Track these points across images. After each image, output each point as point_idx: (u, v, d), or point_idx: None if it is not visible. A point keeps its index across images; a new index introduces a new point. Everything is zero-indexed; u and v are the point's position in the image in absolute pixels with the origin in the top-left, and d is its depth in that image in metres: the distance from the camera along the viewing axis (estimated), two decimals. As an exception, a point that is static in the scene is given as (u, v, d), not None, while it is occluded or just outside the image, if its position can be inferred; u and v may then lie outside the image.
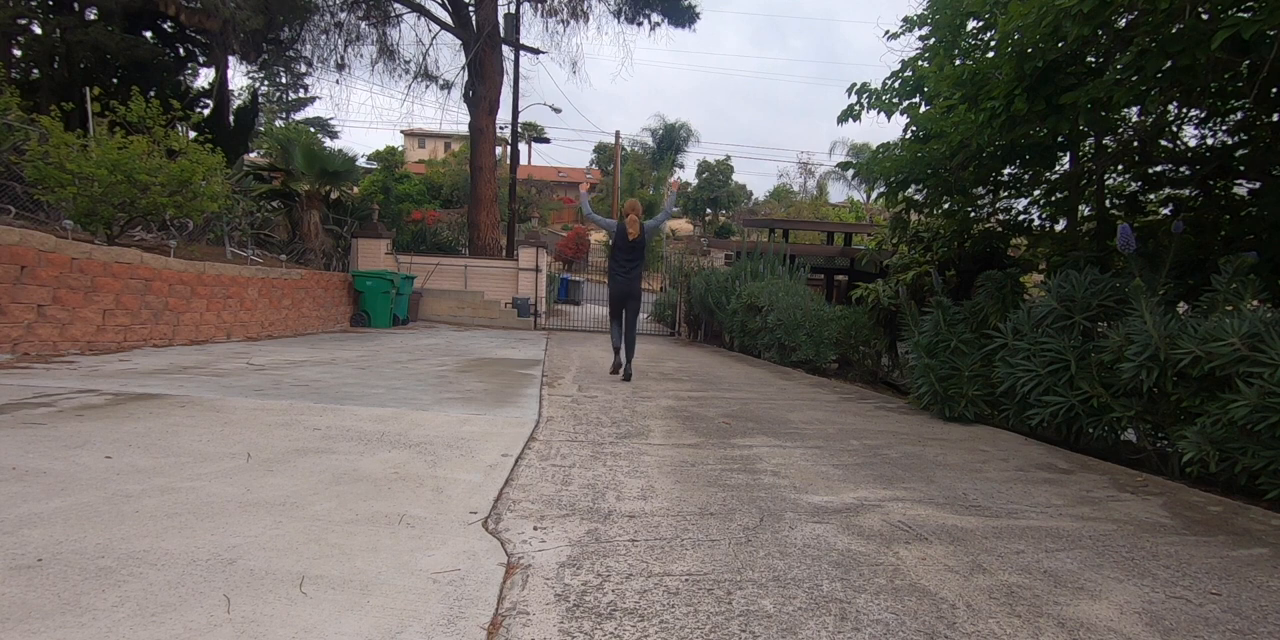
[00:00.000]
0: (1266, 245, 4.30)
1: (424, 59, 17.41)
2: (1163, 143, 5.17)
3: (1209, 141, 5.11)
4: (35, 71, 12.61)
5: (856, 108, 5.91)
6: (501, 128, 20.03)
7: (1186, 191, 5.33)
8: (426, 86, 17.82)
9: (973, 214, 6.45)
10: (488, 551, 1.92)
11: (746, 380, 6.85)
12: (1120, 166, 5.58)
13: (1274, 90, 4.21)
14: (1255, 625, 1.73)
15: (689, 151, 41.22)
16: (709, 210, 45.99)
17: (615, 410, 4.52)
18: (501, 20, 16.07)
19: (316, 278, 10.23)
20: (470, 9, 15.69)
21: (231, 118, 15.05)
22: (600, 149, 45.14)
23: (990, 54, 4.86)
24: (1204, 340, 3.09)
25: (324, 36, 16.00)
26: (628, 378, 5.97)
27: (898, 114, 5.91)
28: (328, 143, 32.98)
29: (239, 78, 31.31)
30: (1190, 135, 5.31)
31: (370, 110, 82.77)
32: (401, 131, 48.08)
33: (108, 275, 5.89)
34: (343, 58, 16.43)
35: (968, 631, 1.61)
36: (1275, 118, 4.51)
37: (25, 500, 2.05)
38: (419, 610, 1.54)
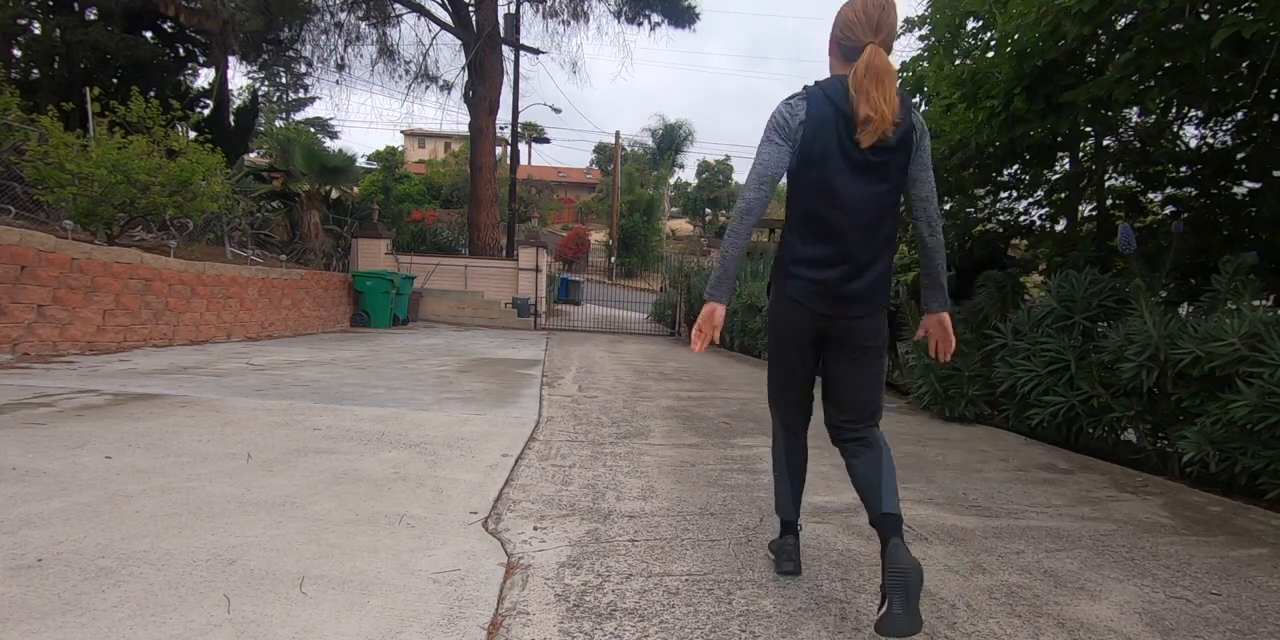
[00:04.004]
0: (1267, 245, 4.29)
1: (424, 59, 17.40)
2: (1163, 143, 5.18)
3: (1209, 141, 5.11)
4: (35, 71, 12.61)
5: (857, 108, 5.89)
6: (501, 128, 20.01)
7: (1187, 191, 5.33)
8: (426, 87, 17.80)
9: (973, 214, 6.44)
10: (488, 552, 1.92)
11: (746, 380, 6.85)
12: (1120, 166, 5.58)
13: (1274, 91, 4.21)
14: (1255, 625, 1.73)
15: (689, 151, 41.15)
16: (709, 210, 46.00)
17: (615, 410, 4.51)
18: (501, 20, 16.07)
19: (316, 278, 10.23)
20: (470, 9, 15.68)
21: (231, 118, 15.05)
22: (600, 149, 45.14)
23: (990, 54, 4.86)
24: (1204, 340, 3.09)
25: (324, 37, 15.98)
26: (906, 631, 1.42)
27: (898, 114, 5.90)
28: (328, 143, 33.05)
29: (239, 78, 31.34)
30: (1191, 135, 5.32)
31: (370, 110, 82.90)
32: (401, 132, 48.07)
33: (108, 275, 5.89)
34: (343, 58, 16.41)
35: (968, 631, 1.61)
36: (1276, 118, 4.51)
37: (25, 500, 2.05)
38: (419, 610, 1.54)
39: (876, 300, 1.77)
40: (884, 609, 1.44)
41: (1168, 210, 5.50)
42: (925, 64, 5.59)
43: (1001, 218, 6.49)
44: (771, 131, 1.73)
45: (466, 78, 16.17)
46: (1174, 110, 4.96)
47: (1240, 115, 4.76)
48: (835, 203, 1.71)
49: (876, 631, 1.45)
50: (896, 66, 5.70)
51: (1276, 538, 2.48)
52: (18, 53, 12.49)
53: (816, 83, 1.76)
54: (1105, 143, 5.42)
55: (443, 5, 16.17)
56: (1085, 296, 4.05)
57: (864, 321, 1.77)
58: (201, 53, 14.93)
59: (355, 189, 20.63)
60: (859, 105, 1.64)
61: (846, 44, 1.71)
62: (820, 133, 1.69)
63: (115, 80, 12.47)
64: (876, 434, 1.79)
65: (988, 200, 6.44)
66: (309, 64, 16.65)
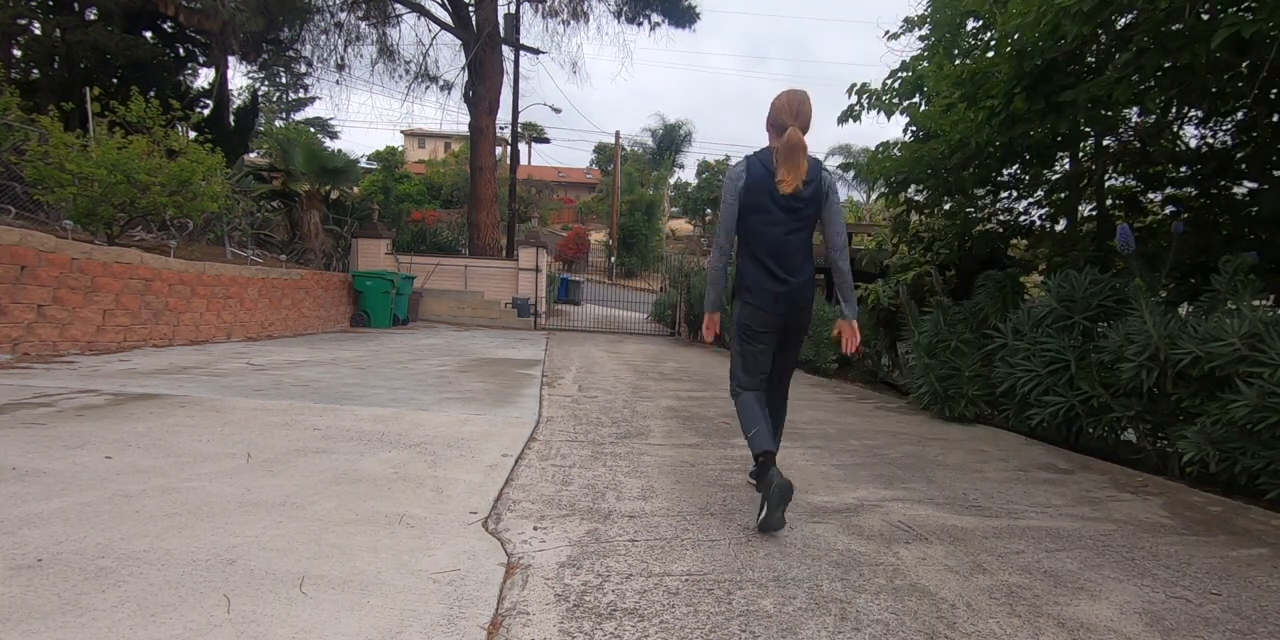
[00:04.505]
0: (1267, 245, 4.29)
1: (424, 59, 17.40)
2: (1163, 143, 5.17)
3: (1209, 141, 5.11)
4: (35, 71, 12.60)
5: (856, 108, 5.90)
6: (501, 128, 20.01)
7: (1187, 191, 5.33)
8: (426, 87, 17.80)
9: (973, 214, 6.44)
10: (488, 551, 1.92)
11: (746, 380, 6.84)
12: (1120, 166, 5.58)
13: (1274, 91, 4.20)
14: (1255, 625, 1.73)
15: (689, 152, 41.14)
16: (709, 210, 45.97)
17: (615, 410, 4.51)
18: (501, 20, 16.06)
19: (316, 278, 10.22)
20: (470, 9, 15.68)
21: (231, 118, 15.05)
22: (600, 149, 45.13)
23: (990, 53, 4.86)
24: (1204, 340, 3.09)
25: (324, 37, 15.97)
26: (778, 521, 2.21)
27: (898, 114, 5.91)
28: (328, 143, 33.01)
29: (239, 78, 31.35)
30: (1190, 135, 5.32)
31: (370, 110, 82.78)
32: (401, 132, 48.07)
33: (108, 275, 5.89)
34: (343, 58, 16.41)
35: (968, 631, 1.61)
36: (1276, 118, 4.51)
37: (25, 500, 2.05)
38: (419, 610, 1.54)
39: (808, 301, 2.58)
40: (763, 513, 2.18)
41: (1168, 210, 5.50)
42: (925, 64, 5.59)
43: (1001, 218, 6.49)
44: (728, 193, 2.50)
45: (466, 78, 16.17)
46: (1174, 110, 4.96)
47: (1240, 115, 4.76)
48: (769, 240, 2.50)
49: (759, 529, 2.23)
50: (896, 66, 5.74)
51: (1276, 538, 2.48)
52: (18, 53, 12.48)
53: (755, 153, 2.53)
54: (1105, 143, 5.42)
55: (443, 5, 16.16)
56: (1085, 296, 4.05)
57: (803, 315, 2.60)
58: (201, 53, 14.93)
59: (355, 189, 20.63)
60: (777, 170, 2.41)
61: (778, 124, 2.46)
62: (756, 189, 2.46)
63: (115, 80, 12.47)
64: (788, 390, 2.80)
65: (988, 200, 6.44)
66: (309, 64, 16.65)
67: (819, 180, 2.46)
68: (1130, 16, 3.77)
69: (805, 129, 2.44)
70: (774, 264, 2.50)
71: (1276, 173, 4.54)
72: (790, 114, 2.44)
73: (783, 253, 2.50)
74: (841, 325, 2.60)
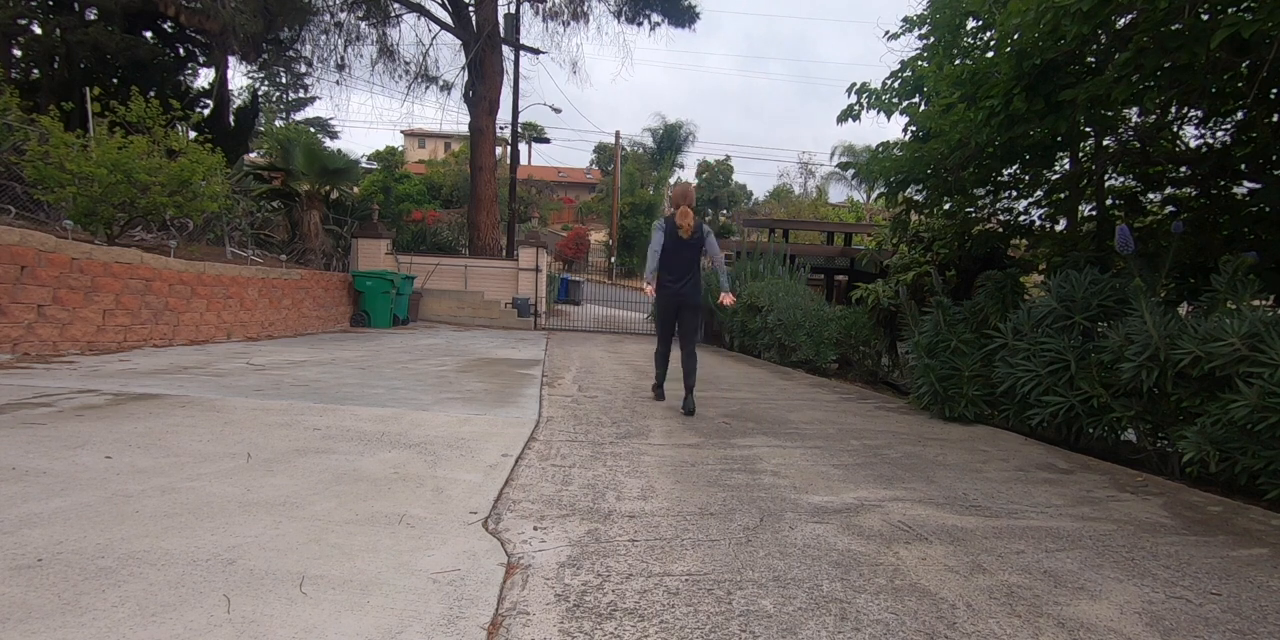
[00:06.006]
0: (1267, 245, 4.29)
1: (424, 59, 17.37)
2: (1163, 143, 5.17)
3: (1209, 141, 5.11)
4: (35, 71, 12.59)
5: (856, 107, 5.91)
6: (501, 128, 19.98)
7: (1187, 191, 5.33)
8: (426, 87, 17.77)
9: (973, 214, 6.44)
10: (488, 551, 1.92)
11: (746, 380, 6.85)
12: (1120, 166, 5.58)
13: (1274, 91, 4.20)
14: (1255, 625, 1.73)
15: (689, 152, 41.16)
16: (709, 210, 45.99)
17: (615, 410, 4.52)
18: (501, 20, 16.06)
19: (316, 278, 10.22)
20: (470, 9, 15.67)
21: (231, 118, 15.02)
22: (600, 149, 45.15)
23: (989, 53, 4.86)
24: (1204, 340, 3.09)
25: (324, 37, 15.96)
26: (690, 412, 4.48)
27: (897, 114, 5.91)
28: (328, 143, 33.04)
29: (239, 78, 31.32)
30: (1191, 135, 5.31)
31: (370, 110, 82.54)
32: (401, 132, 48.06)
33: (108, 275, 5.89)
34: (343, 58, 16.39)
35: (968, 631, 1.61)
36: (1275, 118, 4.51)
37: (25, 500, 2.05)
38: (419, 610, 1.54)
39: (697, 293, 4.71)
40: (683, 408, 4.50)
41: (1168, 210, 5.49)
42: (925, 64, 5.59)
43: (1001, 218, 6.49)
44: (657, 231, 4.60)
45: (466, 78, 16.17)
46: (1174, 110, 4.96)
47: (1240, 115, 4.76)
48: (675, 260, 4.62)
49: (684, 412, 4.50)
50: (897, 66, 5.75)
51: (1276, 538, 2.48)
52: (18, 53, 12.47)
53: (666, 216, 4.66)
54: (1105, 143, 5.42)
55: (443, 5, 16.15)
56: (1085, 296, 4.05)
57: (691, 300, 4.68)
58: (201, 53, 14.91)
59: (355, 189, 20.60)
60: (679, 223, 4.55)
61: (675, 203, 4.72)
62: (669, 235, 4.58)
63: (115, 80, 12.45)
64: (695, 349, 4.80)
65: (987, 200, 6.44)
66: (309, 64, 16.63)
67: (700, 229, 4.64)
68: (1130, 16, 3.77)
69: (692, 206, 4.62)
70: (674, 273, 4.64)
71: (1276, 172, 4.54)
72: (681, 198, 4.70)
73: (678, 268, 4.64)
74: (723, 296, 4.81)
